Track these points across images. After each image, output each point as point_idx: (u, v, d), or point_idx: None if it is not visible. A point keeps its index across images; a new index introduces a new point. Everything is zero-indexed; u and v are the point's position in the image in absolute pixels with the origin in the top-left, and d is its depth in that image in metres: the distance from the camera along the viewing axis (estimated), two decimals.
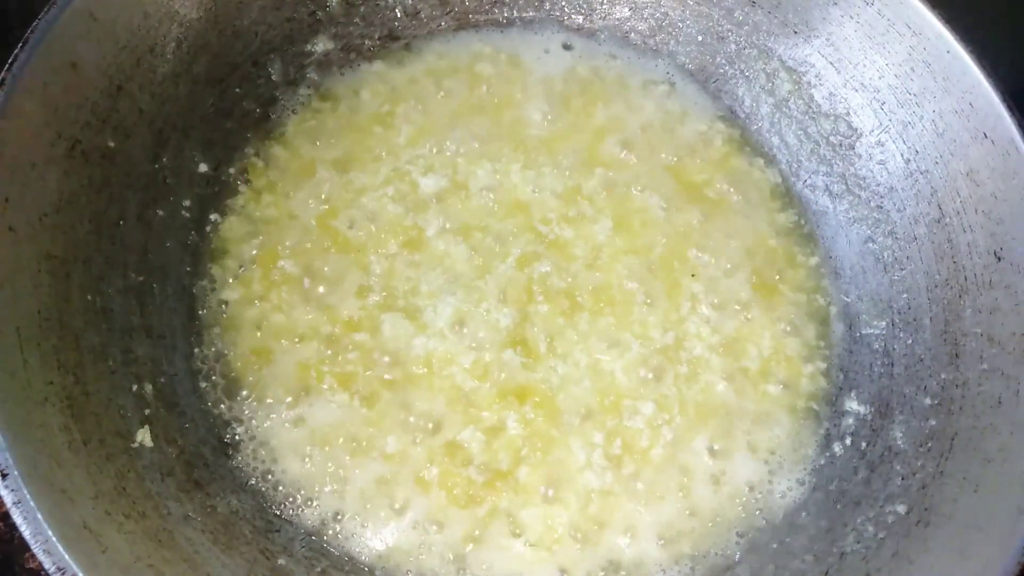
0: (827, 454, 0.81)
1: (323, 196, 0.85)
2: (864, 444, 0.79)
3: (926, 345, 0.78)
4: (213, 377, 0.78)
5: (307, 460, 0.76)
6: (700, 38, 0.94)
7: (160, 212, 0.78)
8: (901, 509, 0.71)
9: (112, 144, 0.72)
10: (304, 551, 0.73)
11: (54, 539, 0.54)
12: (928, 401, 0.76)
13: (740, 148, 0.93)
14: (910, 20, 0.79)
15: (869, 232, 0.86)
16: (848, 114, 0.87)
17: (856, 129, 0.87)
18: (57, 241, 0.66)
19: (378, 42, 0.93)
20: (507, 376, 0.79)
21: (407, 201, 0.86)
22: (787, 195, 0.92)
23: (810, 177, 0.91)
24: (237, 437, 0.76)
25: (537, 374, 0.80)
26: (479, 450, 0.77)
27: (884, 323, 0.83)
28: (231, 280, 0.81)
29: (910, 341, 0.80)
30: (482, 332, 0.81)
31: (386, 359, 0.79)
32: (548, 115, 0.92)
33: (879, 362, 0.82)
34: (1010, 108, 0.73)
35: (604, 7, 0.96)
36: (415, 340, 0.80)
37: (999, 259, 0.73)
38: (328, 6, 0.89)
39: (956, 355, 0.75)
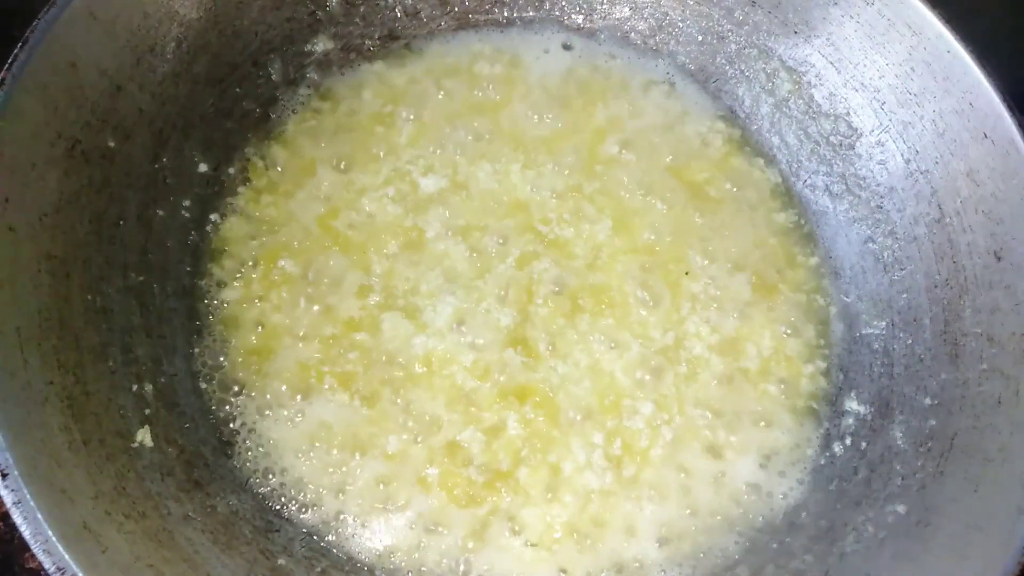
0: (827, 454, 0.81)
1: (323, 196, 0.85)
2: (864, 444, 0.79)
3: (926, 345, 0.78)
4: (213, 377, 0.78)
5: (307, 460, 0.76)
6: (700, 38, 0.94)
7: (160, 212, 0.78)
8: (901, 509, 0.71)
9: (112, 144, 0.72)
10: (304, 551, 0.73)
11: (54, 539, 0.54)
12: (928, 401, 0.76)
13: (740, 148, 0.93)
14: (910, 20, 0.79)
15: (869, 232, 0.86)
16: (848, 114, 0.87)
17: (856, 129, 0.87)
18: (57, 241, 0.66)
19: (378, 42, 0.93)
20: (507, 376, 0.79)
21: (407, 201, 0.86)
22: (787, 195, 0.92)
23: (810, 177, 0.91)
24: (237, 437, 0.76)
25: (537, 374, 0.80)
26: (479, 450, 0.77)
27: (884, 323, 0.83)
28: (231, 280, 0.81)
29: (910, 341, 0.80)
30: (482, 332, 0.81)
31: (386, 359, 0.79)
32: (548, 115, 0.92)
33: (879, 362, 0.82)
34: (1010, 108, 0.73)
35: (604, 7, 0.96)
36: (415, 340, 0.80)
37: (999, 259, 0.73)
38: (328, 6, 0.89)
39: (956, 355, 0.75)
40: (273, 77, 0.88)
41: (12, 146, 0.63)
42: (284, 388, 0.78)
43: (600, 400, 0.80)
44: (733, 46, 0.93)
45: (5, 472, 0.55)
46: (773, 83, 0.92)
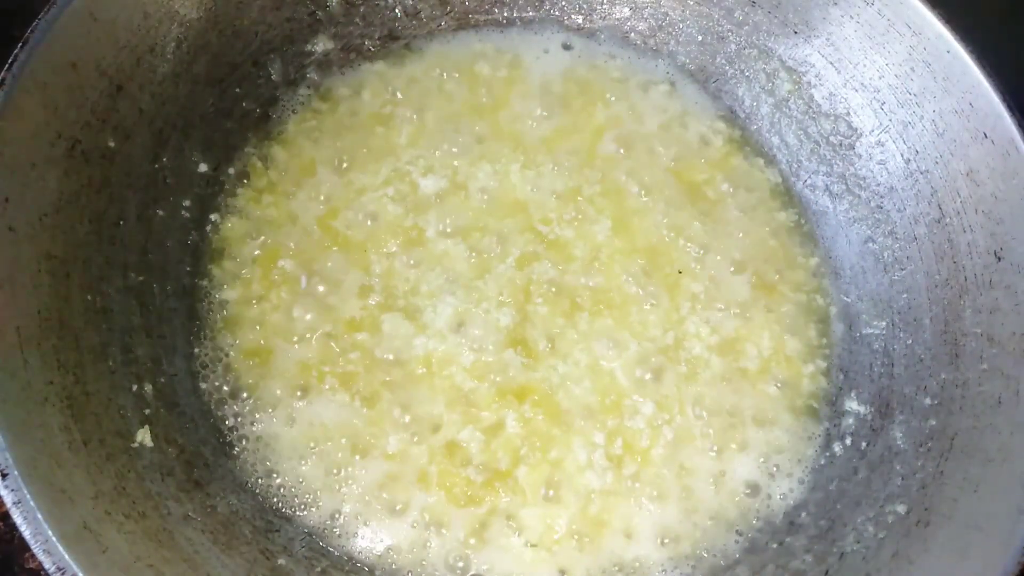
0: (827, 454, 0.81)
1: (323, 196, 0.85)
2: (864, 444, 0.79)
3: (926, 345, 0.78)
4: (213, 377, 0.78)
5: (307, 460, 0.76)
6: (700, 38, 0.94)
7: (160, 212, 0.78)
8: (901, 509, 0.71)
9: (112, 144, 0.72)
10: (304, 551, 0.73)
11: (54, 539, 0.54)
12: (928, 401, 0.76)
13: (740, 148, 0.93)
14: (910, 20, 0.79)
15: (869, 232, 0.86)
16: (848, 114, 0.87)
17: (856, 129, 0.87)
18: (57, 241, 0.66)
19: (378, 42, 0.93)
20: (507, 376, 0.79)
21: (407, 201, 0.86)
22: (787, 195, 0.92)
23: (810, 177, 0.91)
24: (237, 437, 0.76)
25: (537, 374, 0.80)
26: (479, 450, 0.77)
27: (884, 323, 0.83)
28: (231, 280, 0.81)
29: (910, 341, 0.80)
30: (482, 332, 0.81)
31: (386, 359, 0.79)
32: (548, 115, 0.92)
33: (879, 362, 0.82)
34: (1010, 108, 0.73)
35: (604, 7, 0.96)
36: (415, 340, 0.80)
37: (999, 259, 0.73)
38: (328, 6, 0.89)
39: (956, 355, 0.75)
40: (273, 77, 0.88)
41: (12, 146, 0.63)
42: (284, 388, 0.78)
43: (600, 400, 0.80)
44: (733, 46, 0.93)
45: (5, 472, 0.55)
46: (773, 83, 0.92)
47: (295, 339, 0.79)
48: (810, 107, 0.90)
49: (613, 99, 0.93)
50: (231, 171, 0.85)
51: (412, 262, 0.83)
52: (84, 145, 0.69)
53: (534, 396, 0.79)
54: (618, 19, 0.97)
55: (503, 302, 0.82)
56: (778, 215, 0.91)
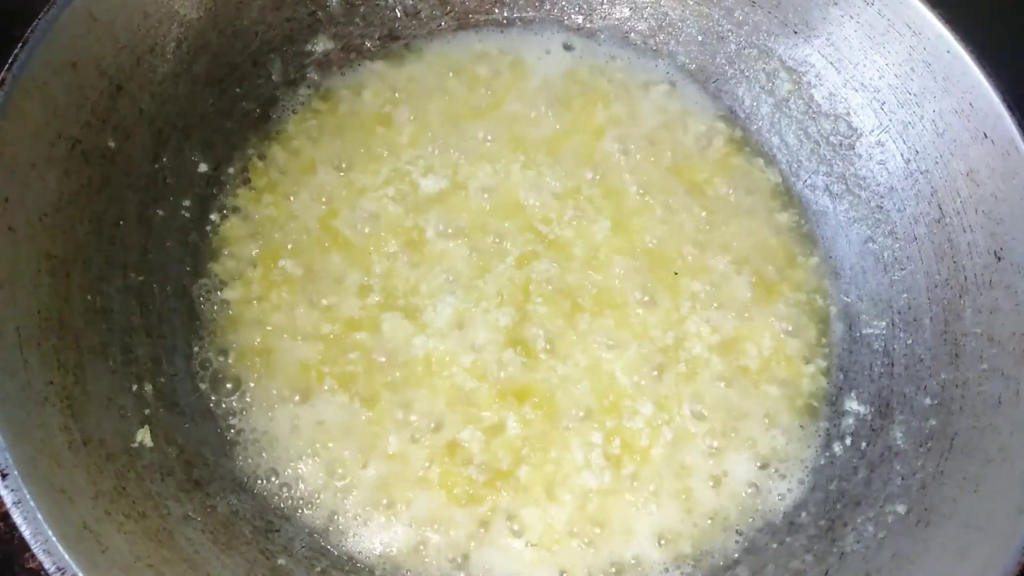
0: (827, 454, 0.81)
1: (323, 196, 0.85)
2: (864, 444, 0.79)
3: (926, 345, 0.78)
4: (213, 377, 0.78)
5: (307, 460, 0.76)
6: (700, 38, 0.94)
7: (160, 212, 0.78)
8: (901, 509, 0.71)
9: (112, 144, 0.72)
10: (304, 551, 0.73)
11: (54, 539, 0.54)
12: (928, 401, 0.76)
13: (740, 148, 0.93)
14: (910, 20, 0.79)
15: (869, 232, 0.86)
16: (848, 114, 0.87)
17: (856, 129, 0.87)
18: (57, 241, 0.66)
19: (378, 42, 0.93)
20: (507, 376, 0.79)
21: (407, 201, 0.86)
22: (787, 195, 0.92)
23: (810, 177, 0.91)
24: (237, 437, 0.76)
25: (537, 374, 0.80)
26: (479, 450, 0.77)
27: (884, 323, 0.83)
28: (231, 280, 0.81)
29: (910, 341, 0.80)
30: (482, 332, 0.81)
31: (386, 359, 0.79)
32: (548, 115, 0.92)
33: (879, 362, 0.82)
34: (1010, 108, 0.73)
35: (604, 7, 0.96)
36: (415, 340, 0.80)
37: (999, 259, 0.73)
38: (328, 6, 0.89)
39: (956, 355, 0.75)
40: (273, 77, 0.88)
41: (12, 146, 0.63)
42: (284, 388, 0.78)
43: (600, 400, 0.80)
44: (733, 46, 0.93)
45: (5, 472, 0.55)
46: (773, 83, 0.92)
47: (295, 339, 0.79)
48: (810, 107, 0.90)
49: (613, 99, 0.93)
50: (231, 171, 0.85)
51: (412, 262, 0.83)
52: (84, 145, 0.69)
53: (534, 396, 0.79)
54: (618, 19, 0.97)
55: (503, 302, 0.82)
56: (778, 215, 0.91)
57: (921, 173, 0.81)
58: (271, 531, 0.73)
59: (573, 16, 0.97)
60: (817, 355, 0.85)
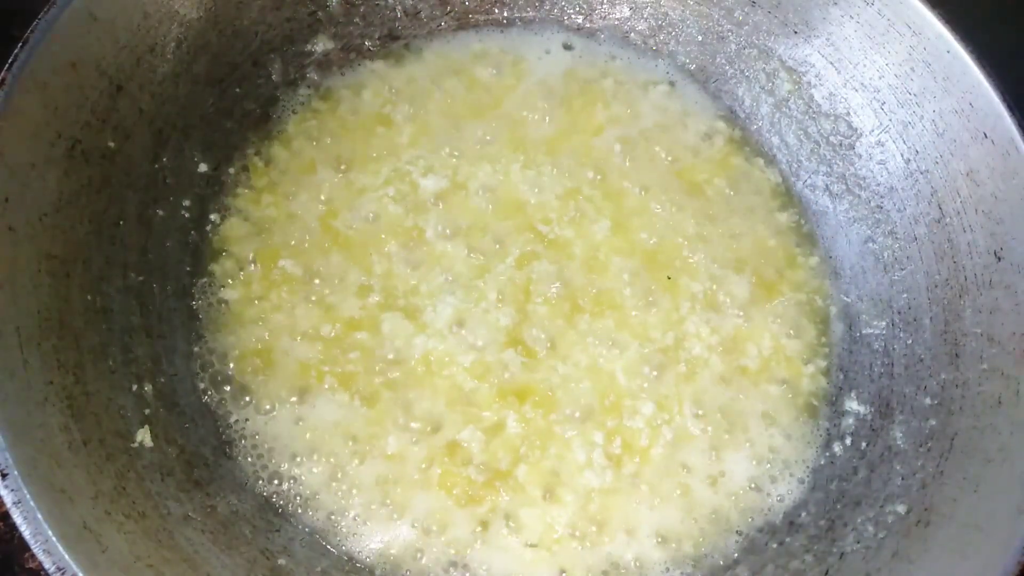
0: (827, 454, 0.81)
1: (323, 196, 0.85)
2: (864, 444, 0.79)
3: (926, 345, 0.78)
4: (213, 377, 0.78)
5: (307, 460, 0.76)
6: (700, 38, 0.94)
7: (160, 212, 0.78)
8: (901, 509, 0.71)
9: (112, 144, 0.72)
10: (304, 551, 0.73)
11: (54, 539, 0.54)
12: (928, 401, 0.76)
13: (740, 148, 0.93)
14: (910, 20, 0.79)
15: (869, 232, 0.86)
16: (848, 114, 0.87)
17: (856, 129, 0.87)
18: (57, 241, 0.66)
19: (378, 42, 0.93)
20: (507, 376, 0.79)
21: (407, 201, 0.86)
22: (787, 195, 0.92)
23: (810, 177, 0.91)
24: (237, 437, 0.76)
25: (537, 374, 0.80)
26: (479, 450, 0.77)
27: (884, 323, 0.83)
28: (231, 280, 0.81)
29: (910, 341, 0.80)
30: (482, 332, 0.81)
31: (386, 359, 0.79)
32: (548, 115, 0.92)
33: (879, 362, 0.82)
34: (1010, 108, 0.73)
35: (604, 7, 0.96)
36: (415, 340, 0.80)
37: (999, 259, 0.73)
38: (328, 6, 0.89)
39: (956, 355, 0.75)
40: (273, 77, 0.88)
41: (12, 146, 0.63)
42: (284, 388, 0.78)
43: (600, 400, 0.80)
44: (733, 46, 0.93)
45: (5, 472, 0.55)
46: (773, 83, 0.92)
47: (295, 339, 0.79)
48: (810, 107, 0.90)
49: (613, 99, 0.93)
50: (231, 171, 0.85)
51: (412, 262, 0.83)
52: (84, 145, 0.69)
53: (534, 396, 0.79)
54: (618, 19, 0.97)
55: (503, 302, 0.82)
56: (778, 215, 0.91)
57: (921, 173, 0.81)
58: (271, 531, 0.73)
59: (573, 16, 0.97)
60: (817, 355, 0.85)
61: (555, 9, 0.96)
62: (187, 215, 0.81)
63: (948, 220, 0.78)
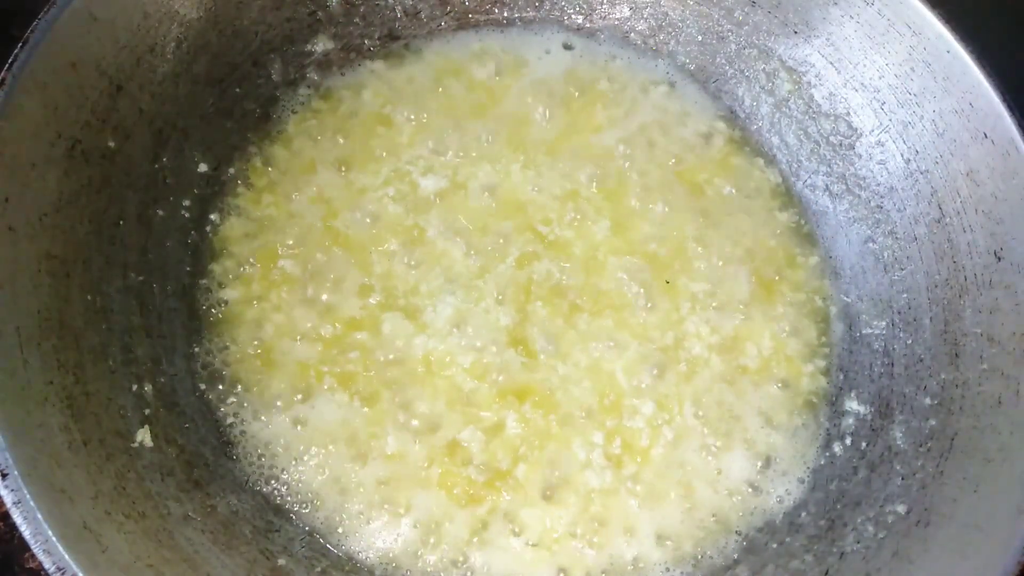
0: (827, 454, 0.81)
1: (323, 196, 0.85)
2: (864, 444, 0.79)
3: (926, 345, 0.78)
4: (213, 377, 0.78)
5: (307, 459, 0.76)
6: (700, 38, 0.94)
7: (160, 212, 0.78)
8: (901, 509, 0.71)
9: (112, 144, 0.72)
10: (304, 551, 0.73)
11: (54, 539, 0.54)
12: (928, 401, 0.76)
13: (740, 148, 0.93)
14: (910, 20, 0.79)
15: (869, 232, 0.86)
16: (848, 114, 0.87)
17: (856, 129, 0.87)
18: (57, 241, 0.66)
19: (378, 42, 0.93)
20: (507, 376, 0.79)
21: (407, 201, 0.86)
22: (787, 195, 0.92)
23: (810, 177, 0.91)
24: (237, 437, 0.76)
25: (537, 374, 0.80)
26: (479, 449, 0.77)
27: (884, 323, 0.83)
28: (231, 280, 0.81)
29: (910, 341, 0.80)
30: (482, 332, 0.81)
31: (386, 359, 0.79)
32: (548, 115, 0.92)
33: (879, 362, 0.82)
34: (1010, 108, 0.73)
35: (604, 7, 0.96)
36: (415, 340, 0.80)
37: (999, 259, 0.73)
38: (328, 6, 0.89)
39: (956, 355, 0.75)
40: (273, 77, 0.88)
41: (12, 146, 0.63)
42: (284, 388, 0.78)
43: (600, 400, 0.80)
44: (733, 46, 0.93)
45: (5, 472, 0.55)
46: (773, 83, 0.92)
47: (295, 339, 0.79)
48: (810, 107, 0.90)
49: (613, 99, 0.93)
50: (231, 171, 0.85)
51: (412, 262, 0.83)
52: (84, 145, 0.69)
53: (534, 396, 0.79)
54: (618, 19, 0.97)
55: (503, 302, 0.82)
56: (778, 215, 0.91)
57: (921, 173, 0.81)
58: (271, 531, 0.73)
59: (573, 16, 0.97)
60: (817, 355, 0.85)
61: (555, 9, 0.96)
62: (187, 215, 0.81)
63: (948, 220, 0.78)
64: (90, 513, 0.58)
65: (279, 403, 0.77)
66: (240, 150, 0.86)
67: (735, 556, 0.76)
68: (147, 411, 0.70)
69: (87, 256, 0.69)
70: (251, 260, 0.82)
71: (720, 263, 0.87)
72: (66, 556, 0.54)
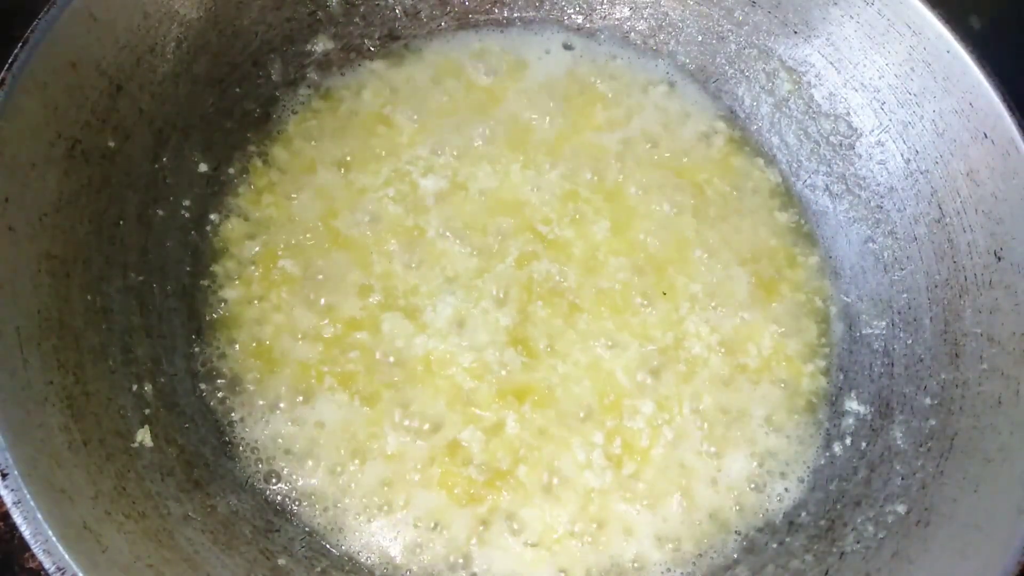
0: (827, 454, 0.81)
1: (323, 196, 0.85)
2: (864, 444, 0.79)
3: (926, 345, 0.78)
4: (213, 377, 0.78)
5: (307, 460, 0.76)
6: (700, 38, 0.94)
7: (160, 212, 0.78)
8: (901, 509, 0.71)
9: (112, 144, 0.72)
10: (304, 551, 0.73)
11: (54, 539, 0.54)
12: (928, 401, 0.76)
13: (740, 148, 0.93)
14: (910, 20, 0.79)
15: (869, 232, 0.86)
16: (848, 114, 0.87)
17: (856, 129, 0.87)
18: (57, 241, 0.66)
19: (378, 42, 0.93)
20: (507, 376, 0.79)
21: (407, 201, 0.86)
22: (787, 195, 0.92)
23: (810, 177, 0.91)
24: (237, 437, 0.76)
25: (537, 374, 0.80)
26: (479, 449, 0.77)
27: (884, 323, 0.83)
28: (231, 280, 0.81)
29: (910, 341, 0.80)
30: (482, 332, 0.81)
31: (386, 359, 0.79)
32: (548, 115, 0.92)
33: (879, 362, 0.82)
34: (1010, 108, 0.73)
35: (604, 7, 0.96)
36: (415, 340, 0.80)
37: (999, 259, 0.73)
38: (328, 6, 0.89)
39: (956, 355, 0.75)
40: (273, 77, 0.88)
41: (12, 146, 0.63)
42: (284, 388, 0.78)
43: (600, 400, 0.80)
44: (733, 46, 0.93)
45: (5, 472, 0.55)
46: (773, 83, 0.92)
47: (295, 339, 0.79)
48: (810, 107, 0.90)
49: (613, 99, 0.93)
50: (231, 171, 0.85)
51: (412, 262, 0.83)
52: (84, 145, 0.69)
53: (534, 396, 0.79)
54: (618, 19, 0.97)
55: (503, 302, 0.82)
56: (778, 215, 0.91)
57: (921, 173, 0.81)
58: (271, 531, 0.73)
59: (573, 16, 0.97)
60: (817, 355, 0.85)
61: (555, 9, 0.96)
62: (187, 215, 0.81)
63: (948, 220, 0.78)
64: (90, 513, 0.58)
65: (279, 403, 0.77)
66: (240, 150, 0.86)
67: (735, 556, 0.76)
68: (147, 411, 0.70)
69: (87, 256, 0.69)
70: (251, 260, 0.82)
71: (720, 263, 0.87)
72: (66, 556, 0.54)
